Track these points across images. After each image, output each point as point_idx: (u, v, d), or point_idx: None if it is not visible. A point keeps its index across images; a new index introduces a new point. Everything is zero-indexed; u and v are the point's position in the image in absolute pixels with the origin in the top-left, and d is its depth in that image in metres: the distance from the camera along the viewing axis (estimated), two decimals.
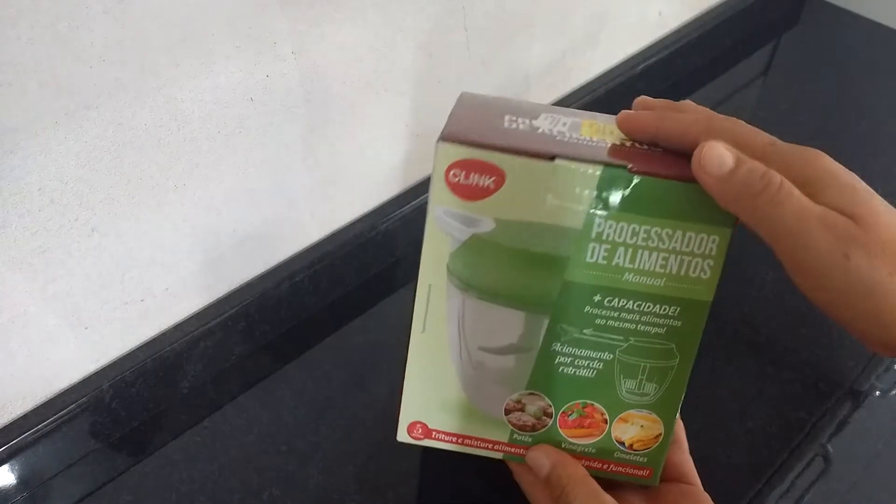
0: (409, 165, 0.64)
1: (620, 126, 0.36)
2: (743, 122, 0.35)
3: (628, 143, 0.36)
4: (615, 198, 0.33)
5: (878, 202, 0.31)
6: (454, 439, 0.39)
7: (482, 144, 0.33)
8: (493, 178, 0.33)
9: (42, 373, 0.49)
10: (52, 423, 0.50)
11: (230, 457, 0.53)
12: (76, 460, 0.53)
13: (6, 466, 0.49)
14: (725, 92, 0.84)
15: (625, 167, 0.33)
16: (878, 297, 0.30)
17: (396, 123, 0.60)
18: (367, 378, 0.58)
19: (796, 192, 0.31)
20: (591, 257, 0.35)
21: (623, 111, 0.37)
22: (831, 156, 0.34)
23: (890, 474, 0.51)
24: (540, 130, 0.36)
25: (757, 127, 0.35)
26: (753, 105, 0.81)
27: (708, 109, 0.37)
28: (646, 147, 0.35)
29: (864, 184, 0.32)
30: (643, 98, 0.38)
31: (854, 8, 0.95)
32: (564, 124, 0.37)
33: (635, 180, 0.33)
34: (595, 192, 0.33)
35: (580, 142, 0.35)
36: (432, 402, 0.39)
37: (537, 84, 0.71)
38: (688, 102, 0.39)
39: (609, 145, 0.35)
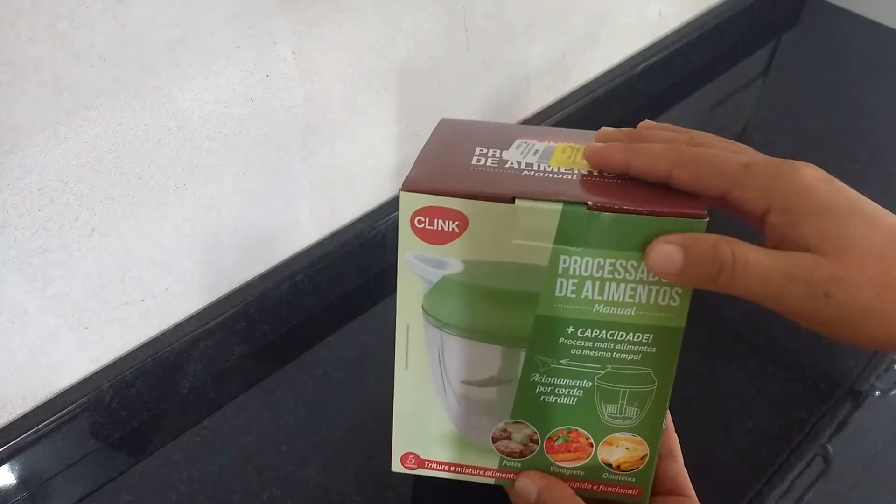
0: (410, 165, 0.64)
1: (589, 161, 0.36)
2: (713, 142, 0.35)
3: (596, 172, 0.36)
4: (577, 234, 0.34)
5: (854, 225, 0.31)
6: (446, 468, 0.40)
7: (442, 191, 0.34)
8: (456, 223, 0.34)
9: (42, 373, 0.49)
10: (52, 423, 0.50)
11: (230, 457, 0.53)
12: (76, 460, 0.53)
13: (6, 466, 0.49)
14: (725, 92, 0.84)
15: (585, 204, 0.33)
16: (871, 321, 0.30)
17: (396, 123, 0.60)
18: (367, 378, 0.58)
19: (752, 256, 0.31)
20: (560, 292, 0.35)
21: (590, 146, 0.37)
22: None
23: (890, 474, 0.51)
24: (508, 164, 0.36)
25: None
26: (753, 105, 0.81)
27: (672, 131, 0.37)
28: (613, 177, 0.36)
29: (844, 194, 0.32)
30: (604, 130, 0.39)
31: (854, 8, 0.95)
32: (536, 152, 0.38)
33: (596, 216, 0.33)
34: (557, 230, 0.34)
35: (546, 175, 0.36)
36: (422, 433, 0.40)
37: (537, 84, 0.71)
38: (648, 125, 0.39)
39: (577, 177, 0.36)
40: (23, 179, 0.41)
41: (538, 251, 0.35)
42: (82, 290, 0.48)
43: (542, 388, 0.38)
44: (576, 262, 0.35)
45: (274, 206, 0.55)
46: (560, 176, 0.36)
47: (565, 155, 0.38)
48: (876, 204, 0.32)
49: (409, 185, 0.34)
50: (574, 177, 0.36)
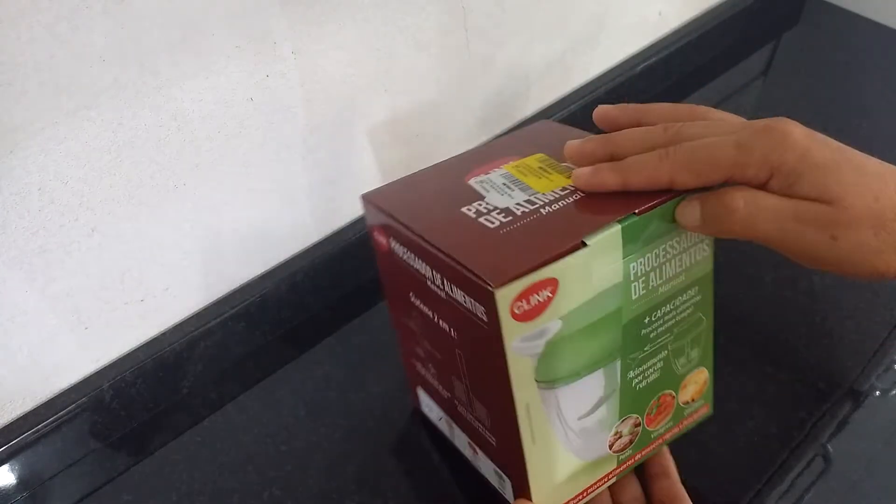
0: (410, 165, 0.64)
1: (584, 190, 0.38)
2: (701, 136, 0.37)
3: (572, 187, 0.39)
4: (636, 239, 0.37)
5: (846, 175, 0.34)
6: (581, 497, 0.43)
7: (529, 269, 0.34)
8: (549, 289, 0.35)
9: (42, 373, 0.49)
10: (52, 423, 0.50)
11: (230, 457, 0.53)
12: (76, 460, 0.53)
13: (6, 466, 0.49)
14: (725, 92, 0.84)
15: (633, 214, 0.36)
16: (872, 256, 0.33)
17: (396, 123, 0.60)
18: (367, 378, 0.58)
19: (763, 201, 0.34)
20: (635, 294, 0.38)
21: (579, 174, 0.38)
22: None
23: (890, 474, 0.51)
24: (518, 211, 0.38)
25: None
26: (753, 105, 0.81)
27: (637, 113, 0.40)
28: None
29: (830, 147, 0.34)
30: (573, 147, 0.40)
31: (854, 8, 0.95)
32: (508, 187, 0.40)
33: (645, 218, 0.37)
34: (622, 245, 0.37)
35: (560, 203, 0.38)
36: (556, 484, 0.42)
37: (537, 84, 0.71)
38: (607, 115, 0.41)
39: (581, 194, 0.38)
40: (23, 179, 0.41)
41: (613, 272, 0.37)
42: (82, 290, 0.48)
43: (636, 380, 0.42)
44: (640, 262, 0.38)
45: (274, 206, 0.55)
46: (570, 198, 0.38)
47: (533, 178, 0.40)
48: (858, 152, 0.35)
49: (500, 280, 0.34)
50: (579, 194, 0.38)
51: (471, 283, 0.34)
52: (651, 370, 0.42)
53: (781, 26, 0.94)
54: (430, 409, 0.50)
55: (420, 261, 0.39)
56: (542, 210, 0.38)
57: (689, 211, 0.36)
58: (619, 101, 0.82)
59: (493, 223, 0.37)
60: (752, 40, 0.92)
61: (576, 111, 0.75)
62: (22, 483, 0.51)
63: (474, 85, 0.64)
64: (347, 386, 0.57)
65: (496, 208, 0.38)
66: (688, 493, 0.44)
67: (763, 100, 0.82)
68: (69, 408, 0.50)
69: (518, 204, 0.38)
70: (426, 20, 0.55)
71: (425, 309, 0.42)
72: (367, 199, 0.43)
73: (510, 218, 0.37)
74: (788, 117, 0.36)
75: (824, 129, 0.36)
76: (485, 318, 0.35)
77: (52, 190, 0.42)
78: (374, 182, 0.62)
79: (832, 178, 0.33)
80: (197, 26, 0.43)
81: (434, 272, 0.38)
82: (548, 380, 0.38)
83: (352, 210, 0.62)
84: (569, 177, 0.40)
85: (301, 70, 0.50)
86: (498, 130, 0.71)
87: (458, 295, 0.36)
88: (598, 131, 0.41)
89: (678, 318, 0.41)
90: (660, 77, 0.83)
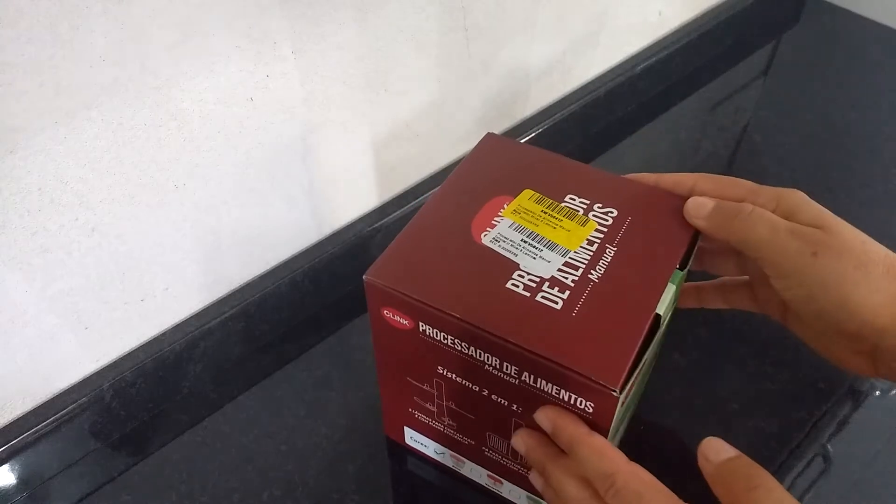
0: (410, 165, 0.64)
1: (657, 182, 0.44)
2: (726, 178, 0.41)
3: (602, 234, 0.41)
4: (677, 289, 0.40)
5: (842, 222, 0.37)
6: None
7: (634, 362, 0.35)
8: (640, 368, 0.37)
9: (42, 373, 0.49)
10: (52, 423, 0.50)
11: (230, 457, 0.53)
12: (76, 460, 0.53)
13: (6, 466, 0.49)
14: (725, 92, 0.84)
15: (678, 269, 0.39)
16: (847, 286, 0.35)
17: (397, 124, 0.60)
18: (367, 378, 0.58)
19: (767, 213, 0.37)
20: (660, 330, 0.40)
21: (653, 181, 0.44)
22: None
23: (890, 474, 0.51)
24: (568, 280, 0.38)
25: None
26: (753, 105, 0.81)
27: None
28: (620, 232, 0.41)
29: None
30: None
31: (854, 8, 0.95)
32: (529, 245, 0.40)
33: (682, 271, 0.39)
34: (673, 300, 0.39)
35: (601, 264, 0.39)
36: None
37: (537, 84, 0.71)
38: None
39: (612, 249, 0.40)
40: (23, 179, 0.41)
41: (663, 327, 0.39)
42: (82, 290, 0.48)
43: (638, 388, 0.45)
44: (672, 306, 0.40)
45: (274, 206, 0.55)
46: (606, 258, 0.39)
47: (547, 229, 0.41)
48: None
49: (618, 382, 0.34)
50: (610, 248, 0.40)
51: (579, 384, 0.35)
52: (648, 372, 0.46)
53: (781, 26, 0.94)
54: (424, 445, 0.50)
55: (475, 349, 0.38)
56: (590, 276, 0.38)
57: (701, 204, 0.40)
58: (619, 102, 0.82)
59: (555, 302, 0.37)
60: (752, 40, 0.92)
61: (576, 111, 0.75)
62: (22, 483, 0.51)
63: (474, 85, 0.64)
64: (347, 386, 0.57)
65: (542, 279, 0.38)
66: (688, 494, 0.44)
67: (763, 100, 0.82)
68: (69, 408, 0.50)
69: (560, 271, 0.38)
70: (426, 20, 0.55)
71: (466, 382, 0.41)
72: (376, 281, 0.39)
73: (567, 293, 0.37)
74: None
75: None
76: (590, 410, 0.36)
77: (52, 190, 0.42)
78: (373, 181, 0.62)
79: (828, 217, 0.37)
80: (197, 26, 0.43)
81: (505, 364, 0.37)
82: (615, 431, 0.40)
83: (352, 210, 0.62)
84: (581, 223, 0.41)
85: (301, 70, 0.50)
86: (498, 130, 0.71)
87: (548, 387, 0.36)
88: (541, 145, 0.44)
89: (667, 325, 0.44)
90: (660, 77, 0.83)
